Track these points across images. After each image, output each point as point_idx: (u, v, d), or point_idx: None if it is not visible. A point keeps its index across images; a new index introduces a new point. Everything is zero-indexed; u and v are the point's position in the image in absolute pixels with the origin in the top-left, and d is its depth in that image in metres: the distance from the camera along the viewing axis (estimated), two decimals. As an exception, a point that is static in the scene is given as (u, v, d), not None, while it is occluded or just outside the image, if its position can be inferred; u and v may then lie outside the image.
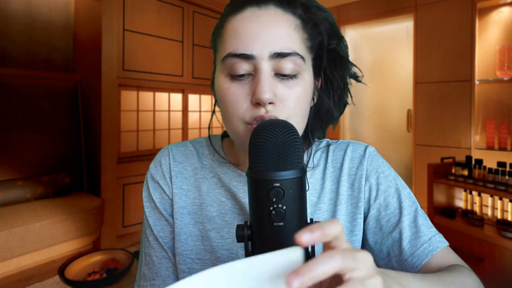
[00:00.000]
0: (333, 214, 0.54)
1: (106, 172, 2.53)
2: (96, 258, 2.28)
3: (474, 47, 2.64)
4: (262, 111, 0.45)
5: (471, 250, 1.89)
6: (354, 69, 0.56)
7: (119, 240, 2.60)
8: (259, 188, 0.36)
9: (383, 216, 0.53)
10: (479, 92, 2.68)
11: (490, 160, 2.35)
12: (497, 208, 1.96)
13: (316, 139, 0.62)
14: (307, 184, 0.53)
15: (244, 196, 0.54)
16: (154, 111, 2.92)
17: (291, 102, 0.46)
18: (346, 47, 0.54)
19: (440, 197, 2.24)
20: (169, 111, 3.04)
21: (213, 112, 0.58)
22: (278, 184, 0.35)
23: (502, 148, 2.47)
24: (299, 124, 0.48)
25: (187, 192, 0.57)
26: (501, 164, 1.93)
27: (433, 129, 2.89)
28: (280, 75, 0.46)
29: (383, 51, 3.43)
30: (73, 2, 2.91)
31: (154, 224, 0.56)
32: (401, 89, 3.26)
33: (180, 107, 3.11)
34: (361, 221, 0.53)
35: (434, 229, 0.51)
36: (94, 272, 2.10)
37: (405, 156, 3.28)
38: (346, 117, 3.56)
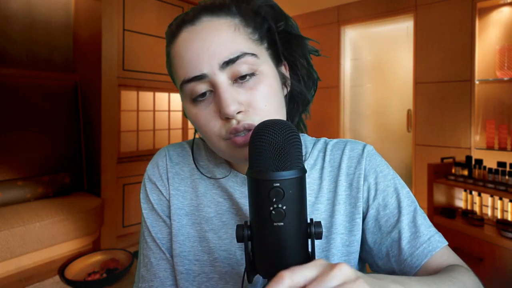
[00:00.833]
0: (331, 214, 0.53)
1: (106, 172, 2.53)
2: (96, 258, 2.28)
3: (474, 47, 2.64)
4: (233, 123, 0.45)
5: (471, 250, 1.89)
6: (311, 43, 0.55)
7: (119, 240, 2.60)
8: (259, 188, 0.36)
9: (382, 216, 0.52)
10: (479, 92, 2.68)
11: (490, 160, 2.35)
12: (497, 208, 1.96)
13: (314, 138, 0.61)
14: None
15: (240, 197, 0.54)
16: (154, 111, 2.92)
17: (260, 102, 0.46)
18: (295, 25, 0.53)
19: (440, 197, 2.24)
20: (169, 111, 3.04)
21: (195, 132, 0.58)
22: (278, 184, 0.35)
23: (502, 148, 2.47)
24: (278, 118, 0.47)
25: (184, 193, 0.57)
26: (501, 164, 1.93)
27: (433, 129, 2.88)
28: (239, 80, 0.45)
29: (383, 51, 3.43)
30: (73, 2, 2.91)
31: (151, 226, 0.56)
32: (401, 89, 3.26)
33: (180, 107, 3.11)
34: (359, 221, 0.53)
35: (433, 229, 0.51)
36: (94, 272, 2.10)
37: (405, 156, 3.28)
38: (346, 117, 3.56)
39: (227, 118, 0.45)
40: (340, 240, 0.52)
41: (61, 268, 2.13)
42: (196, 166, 0.58)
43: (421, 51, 2.94)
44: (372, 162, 0.55)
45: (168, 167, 0.58)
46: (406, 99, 3.17)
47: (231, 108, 0.43)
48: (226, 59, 0.44)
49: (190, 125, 3.20)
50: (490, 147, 2.53)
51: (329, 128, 3.53)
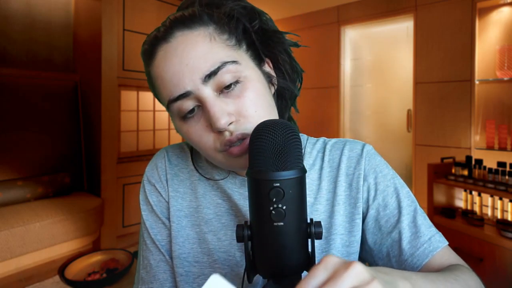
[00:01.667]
0: (331, 215, 0.53)
1: (106, 172, 2.53)
2: (96, 258, 2.28)
3: (474, 47, 2.64)
4: (226, 135, 0.44)
5: (471, 250, 1.89)
6: (290, 37, 0.54)
7: (119, 240, 2.60)
8: (259, 188, 0.36)
9: (382, 216, 0.52)
10: (479, 92, 2.68)
11: (490, 160, 2.35)
12: (497, 208, 1.96)
13: (313, 138, 0.61)
14: None
15: (240, 198, 0.53)
16: (154, 111, 2.92)
17: (249, 109, 0.45)
18: (269, 19, 0.52)
19: (440, 197, 2.24)
20: (169, 111, 3.04)
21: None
22: (278, 184, 0.35)
23: (502, 148, 2.47)
24: (270, 118, 0.46)
25: (183, 195, 0.56)
26: (501, 164, 1.93)
27: (433, 129, 2.88)
28: (224, 90, 0.45)
29: (383, 51, 3.43)
30: (73, 2, 2.91)
31: (151, 227, 0.56)
32: (401, 89, 3.26)
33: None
34: (359, 221, 0.52)
35: (433, 228, 0.51)
36: (94, 272, 2.10)
37: (405, 156, 3.28)
38: (346, 117, 3.56)
39: (219, 131, 0.44)
40: (340, 240, 0.52)
41: (61, 268, 2.13)
42: (195, 167, 0.57)
43: (421, 51, 2.94)
44: (371, 162, 0.54)
45: (167, 168, 0.57)
46: (406, 99, 3.17)
47: (221, 121, 0.43)
48: (208, 72, 0.43)
49: (190, 125, 3.20)
50: (490, 147, 2.53)
51: (329, 128, 3.53)
